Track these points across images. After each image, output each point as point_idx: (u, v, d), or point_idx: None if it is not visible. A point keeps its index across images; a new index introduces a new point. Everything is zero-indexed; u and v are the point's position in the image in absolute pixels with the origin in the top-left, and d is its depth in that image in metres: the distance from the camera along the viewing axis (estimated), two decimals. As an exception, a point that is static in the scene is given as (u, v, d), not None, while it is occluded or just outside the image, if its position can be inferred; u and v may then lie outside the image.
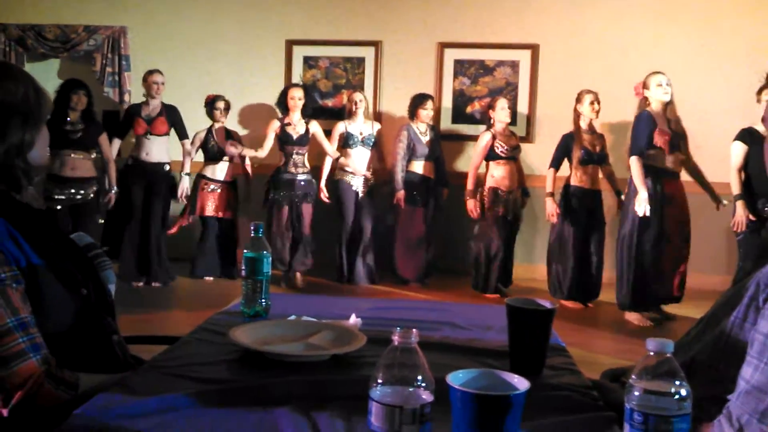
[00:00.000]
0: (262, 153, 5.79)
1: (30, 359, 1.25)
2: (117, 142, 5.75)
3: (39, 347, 1.27)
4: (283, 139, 5.73)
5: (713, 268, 5.80)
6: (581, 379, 1.41)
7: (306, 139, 5.74)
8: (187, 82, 6.46)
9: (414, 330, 0.98)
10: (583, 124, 5.29)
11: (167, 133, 5.70)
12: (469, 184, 5.57)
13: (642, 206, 4.63)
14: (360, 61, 6.57)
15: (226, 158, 5.85)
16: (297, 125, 5.72)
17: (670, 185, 4.84)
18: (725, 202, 4.91)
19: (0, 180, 1.36)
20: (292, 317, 1.74)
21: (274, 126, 5.78)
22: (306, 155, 5.77)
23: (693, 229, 4.99)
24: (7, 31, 6.75)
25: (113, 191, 5.53)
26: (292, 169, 5.70)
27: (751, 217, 4.65)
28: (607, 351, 4.21)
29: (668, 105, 4.83)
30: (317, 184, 5.87)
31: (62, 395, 1.27)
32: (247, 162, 5.98)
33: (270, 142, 5.77)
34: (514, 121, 5.90)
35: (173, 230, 5.81)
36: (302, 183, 5.73)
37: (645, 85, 4.87)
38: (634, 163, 4.72)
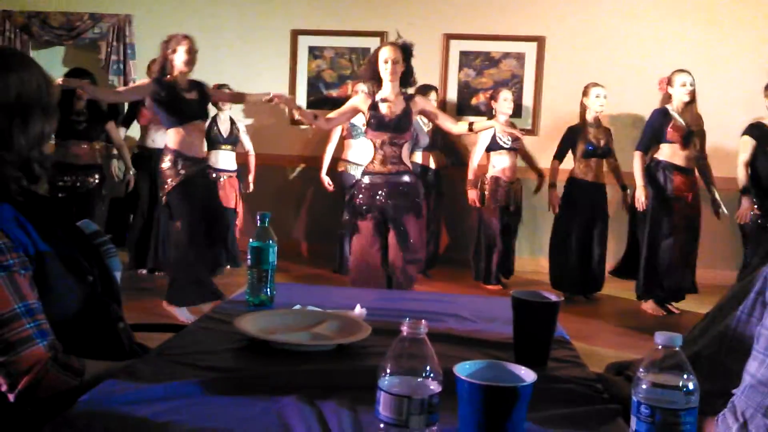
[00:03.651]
0: (322, 122, 4.11)
1: (37, 345, 1.25)
2: (122, 131, 5.74)
3: (46, 333, 1.28)
4: (373, 121, 3.92)
5: (720, 264, 5.79)
6: (586, 371, 1.41)
7: (406, 122, 3.90)
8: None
9: (423, 321, 0.98)
10: (589, 117, 5.28)
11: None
12: (470, 175, 5.56)
13: (639, 201, 4.86)
14: (365, 52, 6.55)
15: (229, 147, 5.81)
16: (395, 102, 3.91)
17: (681, 180, 4.89)
18: (725, 211, 4.95)
19: (20, 171, 1.35)
20: (297, 307, 1.75)
21: (359, 99, 4.07)
22: (405, 147, 4.00)
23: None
24: (13, 18, 6.74)
25: (131, 173, 5.52)
26: (382, 168, 3.93)
27: (755, 210, 4.69)
28: (611, 344, 4.21)
29: (689, 104, 4.90)
30: (420, 185, 4.17)
31: (68, 381, 1.28)
32: (251, 151, 5.93)
33: (343, 114, 4.12)
34: (519, 113, 5.89)
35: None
36: (402, 188, 3.93)
37: (669, 82, 4.95)
38: (636, 157, 4.93)
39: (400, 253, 3.90)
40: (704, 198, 5.04)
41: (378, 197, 3.90)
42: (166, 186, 4.29)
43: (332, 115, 4.14)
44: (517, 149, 5.61)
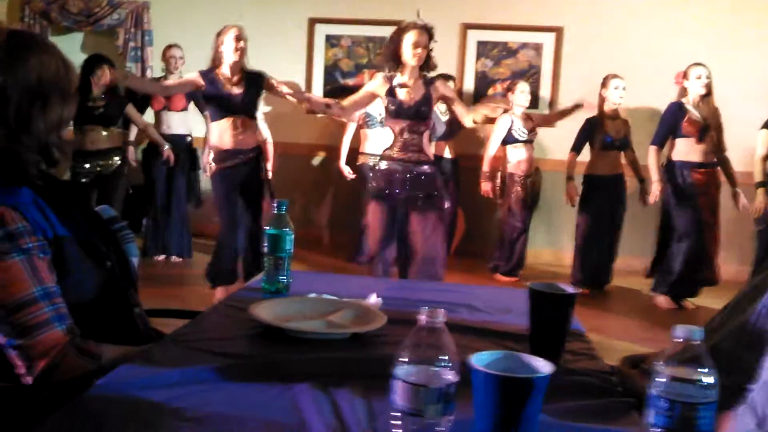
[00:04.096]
0: (337, 110, 3.99)
1: (55, 328, 1.26)
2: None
3: (64, 317, 1.29)
4: (391, 108, 3.80)
5: (736, 258, 5.74)
6: (600, 364, 1.41)
7: (426, 109, 3.77)
8: (208, 58, 6.44)
9: (441, 310, 0.97)
10: (608, 109, 5.24)
11: (185, 108, 5.69)
12: (485, 167, 5.54)
13: (654, 195, 4.96)
14: (382, 41, 6.48)
15: None
16: (414, 88, 3.77)
17: (699, 174, 4.89)
18: (746, 204, 4.92)
19: (38, 155, 1.36)
20: (313, 295, 1.75)
21: (376, 83, 3.89)
22: (426, 135, 3.86)
23: (717, 219, 4.99)
24: (32, 4, 6.77)
25: (166, 147, 5.49)
26: (401, 154, 3.80)
27: None
28: (626, 337, 4.19)
29: (705, 97, 4.86)
30: (440, 177, 4.05)
31: (85, 365, 1.29)
32: (269, 139, 5.92)
33: (359, 100, 3.98)
34: (536, 104, 5.85)
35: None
36: (422, 178, 3.81)
37: (685, 76, 4.94)
38: (651, 152, 4.96)
39: (428, 252, 3.78)
40: (725, 191, 5.00)
41: (395, 184, 3.78)
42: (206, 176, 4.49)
43: (347, 102, 3.95)
44: (532, 141, 5.58)
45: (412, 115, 3.74)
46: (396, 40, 3.73)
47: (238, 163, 4.30)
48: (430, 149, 3.99)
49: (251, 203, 4.40)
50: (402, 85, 3.75)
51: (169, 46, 5.67)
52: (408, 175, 3.76)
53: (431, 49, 3.76)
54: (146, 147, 5.72)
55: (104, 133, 5.32)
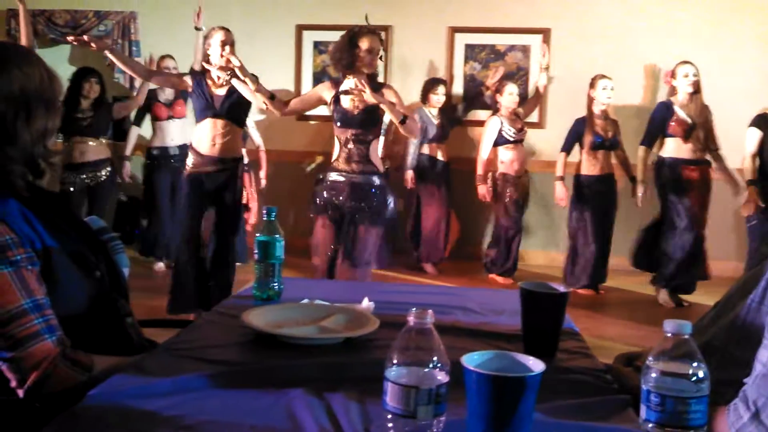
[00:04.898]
0: (278, 104, 3.71)
1: (45, 340, 1.26)
2: (135, 130, 5.76)
3: (54, 329, 1.28)
4: (336, 116, 3.63)
5: (726, 255, 5.76)
6: (595, 362, 1.41)
7: (374, 117, 3.61)
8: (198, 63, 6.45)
9: (429, 311, 0.97)
10: (596, 110, 5.26)
11: (186, 116, 5.67)
12: (479, 170, 5.55)
13: (637, 196, 5.02)
14: (370, 46, 6.53)
15: None
16: (360, 95, 3.56)
17: (689, 171, 4.93)
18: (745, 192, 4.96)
19: (24, 167, 1.35)
20: (305, 301, 1.74)
21: (323, 87, 3.76)
22: (374, 144, 3.68)
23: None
24: (18, 17, 6.74)
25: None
26: (345, 166, 3.63)
27: (760, 203, 4.66)
28: (620, 337, 4.20)
29: (694, 95, 4.92)
30: (388, 189, 3.80)
31: (77, 376, 1.28)
32: (261, 147, 5.90)
33: (304, 103, 3.86)
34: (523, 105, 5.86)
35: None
36: (365, 191, 3.62)
37: (673, 74, 5.00)
38: (640, 152, 5.03)
39: (346, 260, 3.59)
40: (716, 187, 5.02)
41: (338, 197, 3.60)
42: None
43: (293, 101, 3.77)
44: (522, 141, 5.60)
45: (357, 124, 3.56)
46: (350, 45, 3.55)
47: (211, 172, 4.06)
48: (378, 159, 3.73)
49: (221, 221, 4.14)
50: (347, 92, 3.57)
51: (163, 57, 5.67)
52: (352, 187, 3.58)
53: (381, 56, 3.64)
54: (148, 164, 5.69)
55: (92, 143, 5.31)
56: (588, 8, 6.27)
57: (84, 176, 5.29)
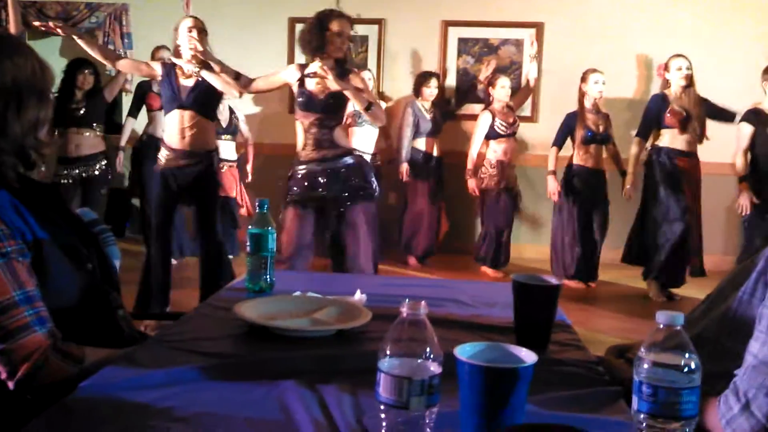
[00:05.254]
0: (244, 81, 3.75)
1: (36, 332, 1.25)
2: (131, 122, 5.74)
3: (45, 320, 1.27)
4: (299, 99, 3.63)
5: (716, 248, 5.78)
6: (587, 354, 1.42)
7: (338, 101, 3.59)
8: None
9: (423, 302, 0.97)
10: (588, 104, 5.27)
11: None
12: (470, 164, 5.56)
13: (626, 188, 5.07)
14: (363, 40, 6.52)
15: (229, 137, 5.79)
16: (321, 83, 3.56)
17: (683, 162, 4.96)
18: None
19: (15, 158, 1.34)
20: (297, 293, 1.74)
21: (290, 70, 3.74)
22: (338, 130, 3.67)
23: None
24: (7, 6, 6.69)
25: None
26: (316, 153, 3.60)
27: (754, 199, 4.67)
28: (611, 330, 4.22)
29: (687, 88, 4.93)
30: (366, 165, 3.88)
31: (68, 369, 1.27)
32: (250, 140, 5.90)
33: (269, 83, 3.80)
34: (516, 99, 5.87)
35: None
36: (343, 171, 3.61)
37: (666, 68, 5.02)
38: (633, 144, 5.06)
39: (354, 248, 3.54)
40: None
41: (317, 187, 3.54)
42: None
43: (257, 80, 3.72)
44: (514, 134, 5.61)
45: (321, 109, 3.52)
46: (320, 27, 3.51)
47: (183, 166, 3.90)
48: (345, 140, 3.75)
49: (203, 218, 4.01)
50: (313, 75, 3.52)
51: (158, 48, 5.64)
52: (329, 173, 3.54)
53: (351, 41, 3.64)
54: (137, 147, 5.67)
55: (87, 134, 5.29)
56: (581, 3, 6.27)
57: (78, 170, 5.28)
